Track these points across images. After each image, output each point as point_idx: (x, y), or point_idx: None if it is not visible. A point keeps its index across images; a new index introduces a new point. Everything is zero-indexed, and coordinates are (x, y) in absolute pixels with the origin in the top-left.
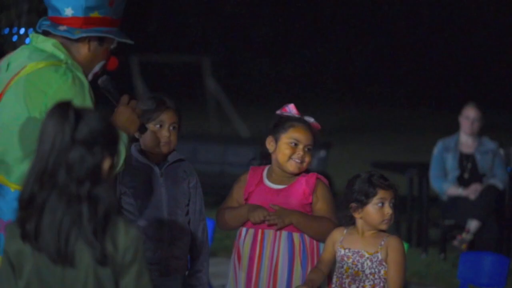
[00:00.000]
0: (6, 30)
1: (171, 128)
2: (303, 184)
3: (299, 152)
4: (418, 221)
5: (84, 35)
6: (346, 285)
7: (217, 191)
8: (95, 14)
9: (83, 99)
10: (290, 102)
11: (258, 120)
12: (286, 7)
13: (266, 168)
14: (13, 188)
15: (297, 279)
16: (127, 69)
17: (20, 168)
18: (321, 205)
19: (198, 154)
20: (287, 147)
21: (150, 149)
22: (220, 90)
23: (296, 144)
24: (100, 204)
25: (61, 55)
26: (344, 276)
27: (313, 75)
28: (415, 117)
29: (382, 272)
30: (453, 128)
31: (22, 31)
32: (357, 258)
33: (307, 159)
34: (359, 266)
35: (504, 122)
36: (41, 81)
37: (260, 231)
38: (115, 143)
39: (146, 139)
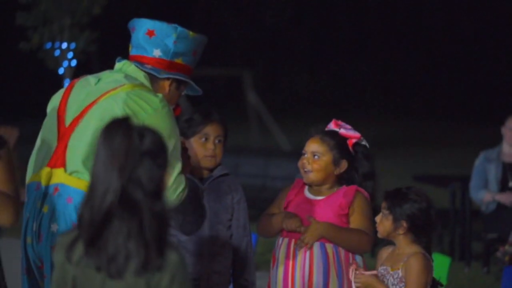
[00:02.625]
0: (49, 45)
1: (216, 141)
2: (340, 196)
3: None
4: (461, 235)
5: (169, 76)
6: None
7: (259, 205)
8: (179, 60)
9: (175, 127)
10: (330, 114)
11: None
12: (327, 20)
13: None
14: None
15: None
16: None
17: None
18: (356, 217)
19: (239, 168)
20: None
21: (195, 163)
22: (261, 103)
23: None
24: (160, 218)
25: (150, 87)
26: None
27: (354, 88)
28: (458, 130)
29: None
30: (496, 141)
31: (64, 45)
32: (385, 274)
33: None
34: (385, 282)
35: None
36: (142, 99)
37: (293, 240)
38: (168, 158)
39: (191, 152)
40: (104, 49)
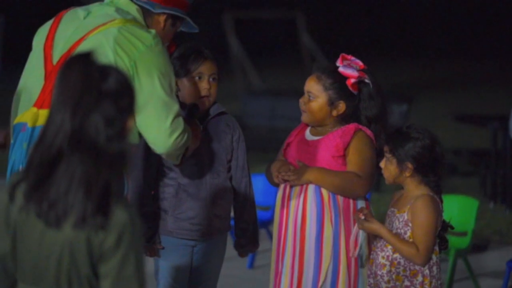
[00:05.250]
0: None
1: (210, 79)
2: (337, 136)
3: None
4: (503, 176)
5: (166, 11)
6: (376, 241)
7: None
8: None
9: (169, 66)
10: (379, 58)
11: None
12: None
13: None
14: None
15: (327, 237)
16: (221, 26)
17: None
18: (351, 157)
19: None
20: None
21: (189, 103)
22: (315, 46)
23: None
24: (114, 168)
25: (143, 22)
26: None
27: (400, 27)
28: (499, 69)
29: (408, 234)
30: None
31: None
32: (391, 216)
33: None
34: (392, 224)
35: None
36: (134, 36)
37: (288, 186)
38: (134, 100)
39: (184, 92)
40: None
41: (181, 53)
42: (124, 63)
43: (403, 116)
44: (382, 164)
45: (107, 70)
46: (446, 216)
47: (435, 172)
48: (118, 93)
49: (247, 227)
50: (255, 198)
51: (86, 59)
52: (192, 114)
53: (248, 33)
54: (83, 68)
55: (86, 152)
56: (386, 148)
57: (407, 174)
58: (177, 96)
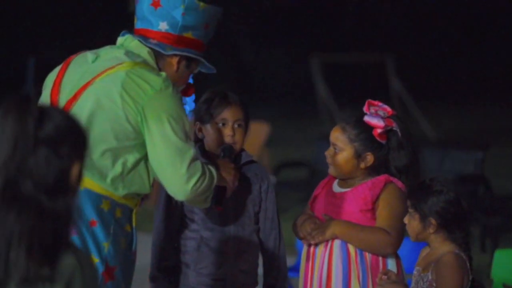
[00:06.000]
0: None
1: (235, 125)
2: (366, 188)
3: None
4: None
5: (177, 52)
6: None
7: None
8: (188, 35)
9: (181, 110)
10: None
11: (444, 120)
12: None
13: None
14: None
15: None
16: (308, 69)
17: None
18: (380, 212)
19: None
20: None
21: (214, 150)
22: (405, 90)
23: None
24: (57, 219)
25: (155, 65)
26: None
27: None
28: None
29: None
30: None
31: None
32: (417, 276)
33: None
34: (417, 285)
35: None
36: (142, 79)
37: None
38: (84, 146)
39: (208, 139)
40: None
41: (206, 98)
42: (131, 109)
43: (478, 165)
44: (405, 220)
45: (45, 116)
46: (507, 273)
47: (462, 228)
48: (58, 140)
49: (275, 284)
50: None
51: (21, 105)
52: (227, 155)
53: (335, 76)
54: (18, 115)
55: (24, 206)
56: (408, 203)
57: (431, 230)
58: (202, 141)
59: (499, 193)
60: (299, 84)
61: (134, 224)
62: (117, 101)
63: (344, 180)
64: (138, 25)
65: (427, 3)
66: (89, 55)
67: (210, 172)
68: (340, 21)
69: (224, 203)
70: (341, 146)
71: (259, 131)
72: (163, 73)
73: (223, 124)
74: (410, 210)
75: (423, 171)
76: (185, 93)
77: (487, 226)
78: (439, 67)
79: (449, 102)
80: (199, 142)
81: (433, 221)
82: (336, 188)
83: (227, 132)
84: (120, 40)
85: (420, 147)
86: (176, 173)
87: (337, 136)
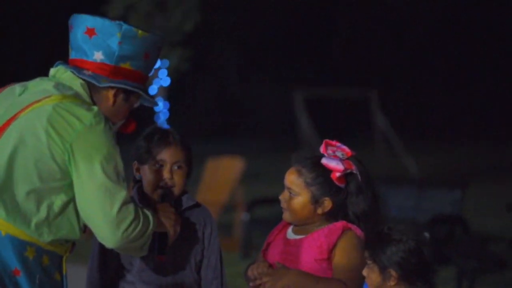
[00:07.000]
0: None
1: (175, 167)
2: (322, 235)
3: None
4: None
5: (112, 85)
6: None
7: None
8: (126, 65)
9: (114, 148)
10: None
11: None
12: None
13: None
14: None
15: None
16: (291, 104)
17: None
18: (337, 262)
19: None
20: None
21: (150, 194)
22: (389, 124)
23: None
24: None
25: (88, 98)
26: None
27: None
28: None
29: None
30: None
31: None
32: None
33: None
34: None
35: None
36: (71, 114)
37: None
38: None
39: (145, 181)
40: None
41: (146, 134)
42: (57, 146)
43: (456, 204)
44: (364, 272)
45: None
46: None
47: (425, 279)
48: None
49: None
50: None
51: None
52: (165, 199)
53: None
54: None
55: None
56: (366, 254)
57: (392, 283)
58: (141, 184)
59: (477, 233)
60: (283, 118)
61: (64, 272)
62: (42, 137)
63: (300, 226)
64: (72, 55)
65: (413, 40)
66: (17, 87)
67: (146, 216)
68: (327, 55)
69: (167, 251)
70: (297, 191)
71: (232, 166)
72: (95, 107)
73: (161, 166)
74: (368, 261)
75: (384, 217)
76: (125, 128)
77: (464, 268)
78: (421, 104)
79: (429, 138)
80: (138, 183)
81: (393, 272)
82: (290, 234)
83: (164, 174)
84: (52, 71)
85: (399, 185)
86: (105, 217)
87: (293, 180)
